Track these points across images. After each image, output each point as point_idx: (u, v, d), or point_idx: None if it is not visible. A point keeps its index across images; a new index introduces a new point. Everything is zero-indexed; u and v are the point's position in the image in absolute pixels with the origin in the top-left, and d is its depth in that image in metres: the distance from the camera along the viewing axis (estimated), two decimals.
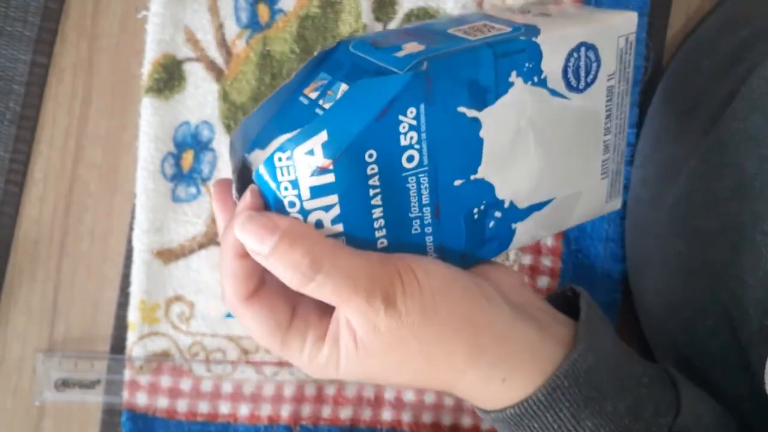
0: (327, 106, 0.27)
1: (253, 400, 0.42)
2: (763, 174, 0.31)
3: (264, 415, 0.42)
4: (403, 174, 0.28)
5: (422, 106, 0.27)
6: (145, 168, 0.41)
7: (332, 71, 0.28)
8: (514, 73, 0.29)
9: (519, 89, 0.29)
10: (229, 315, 0.42)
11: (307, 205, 0.27)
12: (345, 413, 0.43)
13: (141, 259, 0.41)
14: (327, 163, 0.26)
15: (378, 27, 0.43)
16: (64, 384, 0.41)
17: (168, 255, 0.41)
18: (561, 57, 0.29)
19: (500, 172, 0.30)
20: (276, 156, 0.26)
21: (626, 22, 0.31)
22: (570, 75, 0.30)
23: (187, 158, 0.42)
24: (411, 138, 0.27)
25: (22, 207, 0.42)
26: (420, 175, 0.28)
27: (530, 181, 0.31)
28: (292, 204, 0.27)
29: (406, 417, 0.43)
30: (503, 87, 0.29)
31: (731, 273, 0.32)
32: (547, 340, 0.29)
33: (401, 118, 0.26)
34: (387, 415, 0.43)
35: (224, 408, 0.42)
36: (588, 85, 0.31)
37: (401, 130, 0.27)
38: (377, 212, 0.28)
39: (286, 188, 0.27)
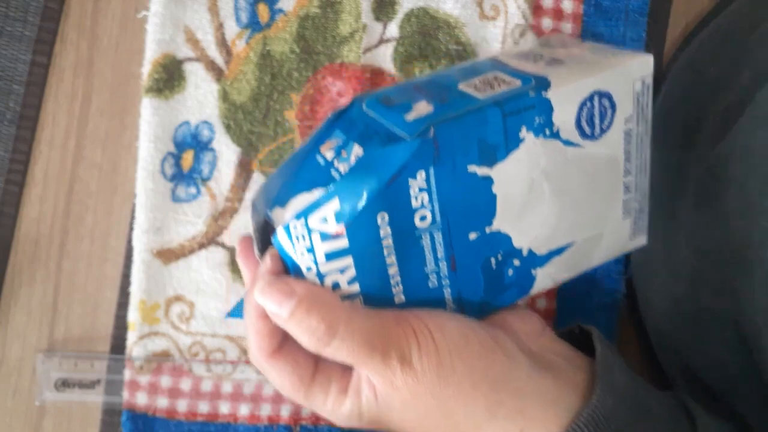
0: (341, 167, 0.28)
1: (253, 400, 0.42)
2: None
3: (264, 415, 0.42)
4: (416, 232, 0.28)
5: (431, 169, 0.27)
6: (145, 168, 0.41)
7: (346, 131, 0.29)
8: (524, 129, 0.29)
9: (530, 143, 0.29)
10: (229, 315, 0.42)
11: (323, 269, 0.28)
12: None
13: (141, 259, 0.41)
14: (340, 229, 0.27)
15: (378, 27, 0.43)
16: (64, 384, 0.41)
17: (168, 255, 0.41)
18: (573, 108, 0.29)
19: (516, 223, 0.30)
20: (291, 224, 0.27)
21: (642, 65, 0.31)
22: (584, 124, 0.30)
23: (187, 158, 0.42)
24: (422, 199, 0.28)
25: (22, 207, 0.42)
26: (433, 232, 0.29)
27: (548, 228, 0.31)
28: (309, 268, 0.28)
29: None
30: (513, 143, 0.29)
31: (742, 291, 0.31)
32: (564, 389, 0.29)
33: (411, 182, 0.27)
34: None
35: (224, 408, 0.42)
36: (603, 131, 0.31)
37: (412, 193, 0.27)
38: (392, 270, 0.29)
39: (302, 254, 0.28)
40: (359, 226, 0.27)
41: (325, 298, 0.27)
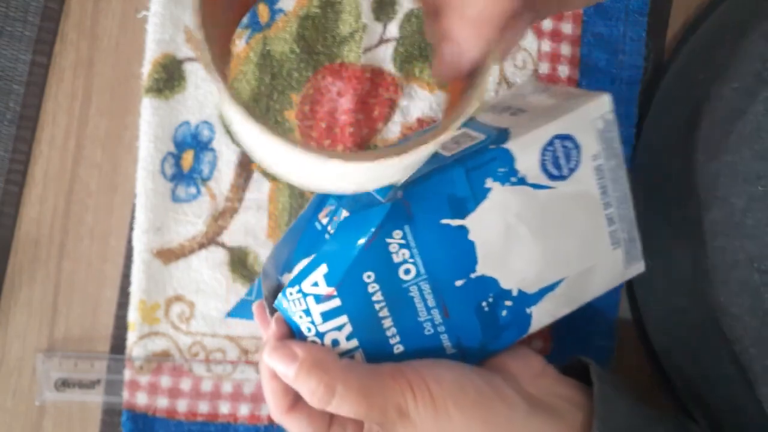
0: (333, 231, 0.31)
1: (253, 400, 0.42)
2: (754, 212, 0.30)
3: (264, 415, 0.42)
4: (404, 285, 0.30)
5: (407, 227, 0.30)
6: (145, 168, 0.41)
7: (338, 198, 0.32)
8: (489, 180, 0.31)
9: (498, 192, 0.31)
10: (229, 315, 0.42)
11: (321, 329, 0.31)
12: None
13: (141, 258, 0.41)
14: (330, 290, 0.30)
15: (378, 27, 0.43)
16: (64, 384, 0.41)
17: (168, 255, 0.41)
18: (535, 155, 0.31)
19: (500, 266, 0.32)
20: (287, 291, 0.30)
21: (599, 105, 0.32)
22: (549, 167, 0.31)
23: (187, 158, 0.42)
24: (403, 254, 0.30)
25: (22, 207, 0.42)
26: (420, 284, 0.31)
27: (534, 266, 0.32)
28: (308, 329, 0.31)
29: None
30: (481, 194, 0.31)
31: (731, 311, 0.31)
32: (563, 430, 0.30)
33: (388, 240, 0.30)
34: None
35: (224, 408, 0.42)
36: (572, 170, 0.32)
37: (392, 250, 0.30)
38: (387, 322, 0.31)
39: (300, 316, 0.31)
40: (348, 286, 0.30)
41: (323, 360, 0.29)
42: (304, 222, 0.33)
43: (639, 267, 0.35)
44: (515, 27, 0.24)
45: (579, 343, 0.42)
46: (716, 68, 0.36)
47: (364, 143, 0.42)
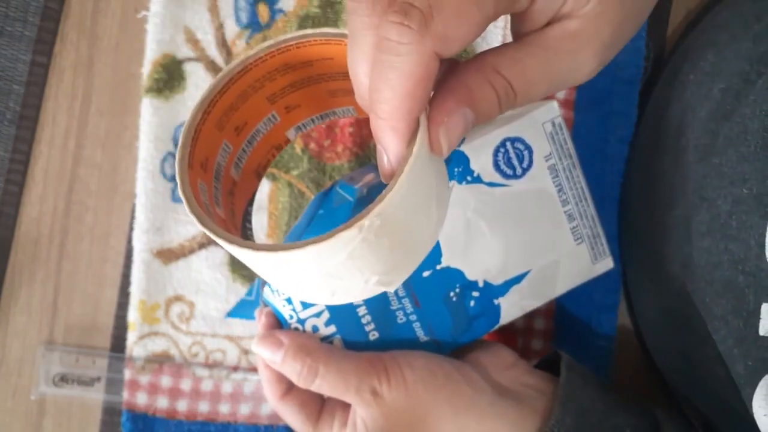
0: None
1: (253, 400, 0.42)
2: (739, 214, 0.30)
3: (264, 414, 0.42)
4: None
5: None
6: (144, 168, 0.41)
7: (326, 207, 0.34)
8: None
9: (456, 190, 0.33)
10: (229, 315, 0.42)
11: (302, 315, 0.33)
12: None
13: (141, 259, 0.41)
14: None
15: None
16: (63, 379, 0.41)
17: (168, 255, 0.41)
18: (488, 155, 0.33)
19: (464, 258, 0.34)
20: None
21: (547, 111, 0.34)
22: (503, 166, 0.34)
23: None
24: None
25: (22, 207, 0.42)
26: None
27: (497, 259, 0.34)
28: (290, 317, 0.34)
29: None
30: None
31: (715, 311, 0.32)
32: (526, 413, 0.32)
33: None
34: None
35: (224, 408, 0.42)
36: (525, 169, 0.34)
37: None
38: (362, 310, 0.33)
39: (283, 305, 0.33)
40: None
41: (306, 344, 0.33)
42: (299, 228, 0.34)
43: (607, 263, 0.36)
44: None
45: (579, 344, 0.42)
46: (705, 69, 0.36)
47: (364, 143, 0.42)
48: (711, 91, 0.34)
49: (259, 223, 0.42)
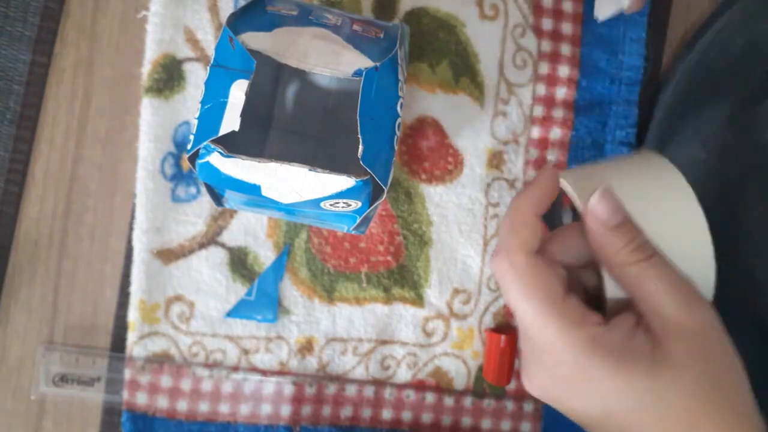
0: None
1: (253, 400, 0.42)
2: None
3: (264, 414, 0.42)
4: None
5: None
6: (144, 168, 0.41)
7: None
8: None
9: None
10: (228, 315, 0.42)
11: None
12: (345, 413, 0.43)
13: (141, 258, 0.41)
14: None
15: None
16: (63, 379, 0.41)
17: (168, 255, 0.41)
18: None
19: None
20: None
21: None
22: None
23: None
24: None
25: (22, 207, 0.42)
26: None
27: None
28: None
29: (406, 417, 0.43)
30: None
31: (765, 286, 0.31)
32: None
33: None
34: (387, 415, 0.43)
35: (224, 408, 0.42)
36: None
37: None
38: None
39: None
40: None
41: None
42: None
43: None
44: None
45: None
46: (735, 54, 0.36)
47: None
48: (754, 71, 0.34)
49: (259, 223, 0.42)
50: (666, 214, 0.30)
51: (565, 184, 0.31)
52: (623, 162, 0.33)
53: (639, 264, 0.28)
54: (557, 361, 0.28)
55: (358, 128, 0.31)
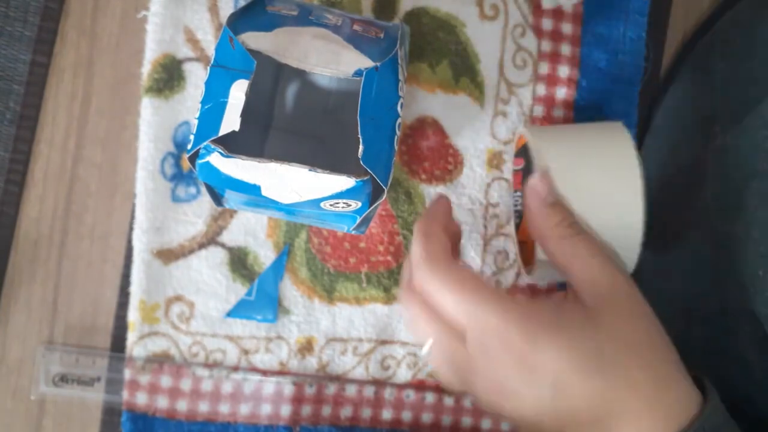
0: None
1: (253, 400, 0.42)
2: None
3: (264, 414, 0.42)
4: None
5: None
6: (144, 168, 0.41)
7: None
8: None
9: None
10: (228, 315, 0.42)
11: None
12: (345, 413, 0.43)
13: (141, 259, 0.41)
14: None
15: None
16: (63, 379, 0.41)
17: (168, 255, 0.41)
18: None
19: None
20: None
21: None
22: None
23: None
24: None
25: (22, 207, 0.42)
26: None
27: None
28: None
29: (406, 417, 0.43)
30: None
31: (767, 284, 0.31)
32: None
33: None
34: (387, 415, 0.43)
35: (224, 408, 0.42)
36: None
37: None
38: None
39: None
40: None
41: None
42: None
43: None
44: None
45: None
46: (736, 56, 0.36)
47: None
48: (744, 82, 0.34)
49: (259, 223, 0.42)
50: (607, 184, 0.35)
51: (530, 138, 0.36)
52: (585, 128, 0.38)
53: (573, 238, 0.32)
54: (504, 346, 0.29)
55: (358, 128, 0.31)
